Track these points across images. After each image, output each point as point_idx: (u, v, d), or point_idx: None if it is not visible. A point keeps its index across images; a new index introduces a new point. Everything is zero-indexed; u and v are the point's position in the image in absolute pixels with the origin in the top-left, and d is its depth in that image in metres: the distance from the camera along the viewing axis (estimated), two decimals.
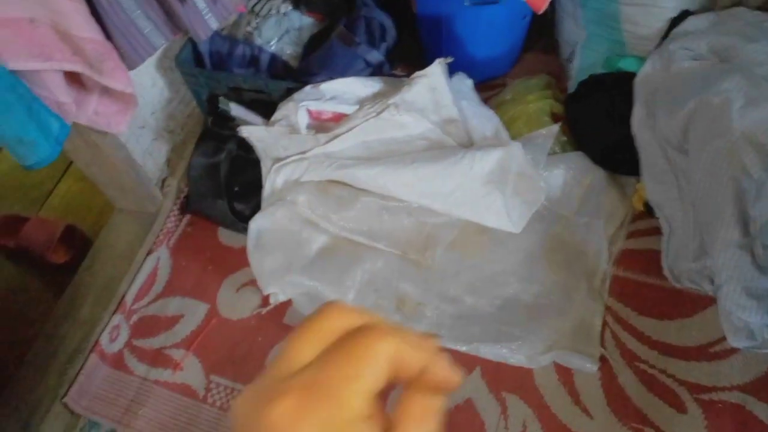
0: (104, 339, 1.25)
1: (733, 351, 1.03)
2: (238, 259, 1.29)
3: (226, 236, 1.37)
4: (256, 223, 1.21)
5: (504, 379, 1.08)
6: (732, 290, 0.97)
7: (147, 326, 1.27)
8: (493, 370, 1.09)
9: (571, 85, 1.38)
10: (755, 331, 0.95)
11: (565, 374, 1.07)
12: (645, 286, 1.14)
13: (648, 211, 1.19)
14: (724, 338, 0.98)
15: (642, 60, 1.25)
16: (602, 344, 1.08)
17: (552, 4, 1.38)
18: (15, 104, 0.85)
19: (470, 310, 1.15)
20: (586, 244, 1.18)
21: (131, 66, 1.04)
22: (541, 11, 1.22)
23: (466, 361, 1.10)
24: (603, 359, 1.06)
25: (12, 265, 1.48)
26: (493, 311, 1.14)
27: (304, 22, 1.42)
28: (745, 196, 0.98)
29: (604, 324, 1.10)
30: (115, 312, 1.28)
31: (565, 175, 1.24)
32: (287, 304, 1.21)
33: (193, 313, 1.27)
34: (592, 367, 1.05)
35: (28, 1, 0.81)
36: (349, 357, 0.25)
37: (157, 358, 1.22)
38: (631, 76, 1.23)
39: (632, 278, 1.16)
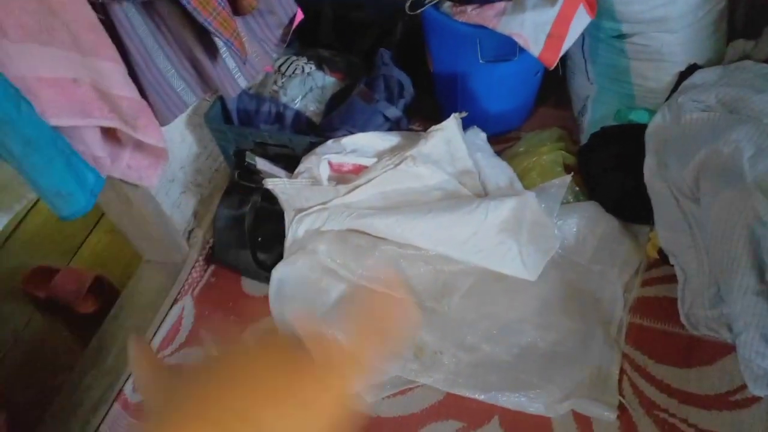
0: (128, 388, 1.28)
1: (755, 399, 1.01)
2: (260, 308, 1.31)
3: (249, 286, 1.41)
4: (277, 272, 1.25)
5: (523, 428, 1.07)
6: (751, 338, 0.96)
7: None
8: (511, 419, 1.09)
9: (584, 138, 1.42)
10: None
11: (583, 423, 1.06)
12: (662, 333, 1.14)
13: (662, 258, 1.20)
14: (745, 386, 0.97)
15: (652, 112, 1.29)
16: (620, 392, 1.07)
17: (563, 60, 1.44)
18: (55, 158, 0.91)
19: (488, 359, 1.15)
20: (601, 292, 1.19)
21: (164, 122, 1.10)
22: (552, 67, 1.27)
23: (484, 410, 1.10)
24: (622, 408, 1.05)
25: (42, 316, 1.53)
26: (511, 359, 1.14)
27: (326, 81, 1.50)
28: (759, 244, 0.99)
29: (622, 372, 1.10)
30: None
31: (579, 223, 1.26)
32: None
33: None
34: (610, 415, 1.04)
35: (72, 62, 0.88)
36: None
37: None
38: (642, 127, 1.26)
39: (649, 326, 1.16)
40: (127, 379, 1.28)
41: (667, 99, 1.30)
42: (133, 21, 0.96)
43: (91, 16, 0.89)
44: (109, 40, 0.92)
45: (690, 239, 1.14)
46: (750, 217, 1.01)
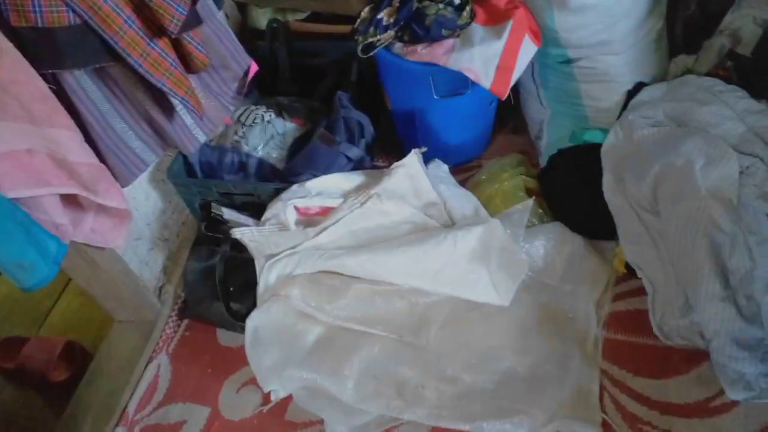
0: None
1: (734, 404, 1.03)
2: (238, 358, 1.30)
3: (225, 337, 1.39)
4: (252, 321, 1.23)
5: None
6: (722, 343, 0.98)
7: None
8: None
9: (542, 160, 1.46)
10: (751, 381, 0.95)
11: None
12: (638, 346, 1.15)
13: (630, 272, 1.22)
14: (722, 392, 0.98)
15: (605, 131, 1.33)
16: (603, 409, 1.08)
17: (516, 88, 1.48)
18: (14, 231, 0.89)
19: (470, 389, 1.15)
20: (574, 311, 1.21)
21: (124, 183, 1.10)
22: (504, 97, 1.31)
23: None
24: (605, 424, 1.06)
25: (13, 387, 1.48)
26: (493, 387, 1.14)
27: (287, 127, 1.51)
28: (720, 251, 1.02)
29: (602, 388, 1.11)
30: (117, 425, 1.27)
31: (546, 245, 1.28)
32: (288, 400, 1.21)
33: (195, 418, 1.26)
34: None
35: (26, 133, 0.88)
36: None
37: None
38: (597, 146, 1.30)
39: (624, 340, 1.17)
40: None
41: (618, 117, 1.34)
42: (85, 87, 0.97)
43: (42, 87, 0.89)
44: (62, 109, 0.93)
45: (654, 251, 1.16)
46: (708, 226, 1.04)
